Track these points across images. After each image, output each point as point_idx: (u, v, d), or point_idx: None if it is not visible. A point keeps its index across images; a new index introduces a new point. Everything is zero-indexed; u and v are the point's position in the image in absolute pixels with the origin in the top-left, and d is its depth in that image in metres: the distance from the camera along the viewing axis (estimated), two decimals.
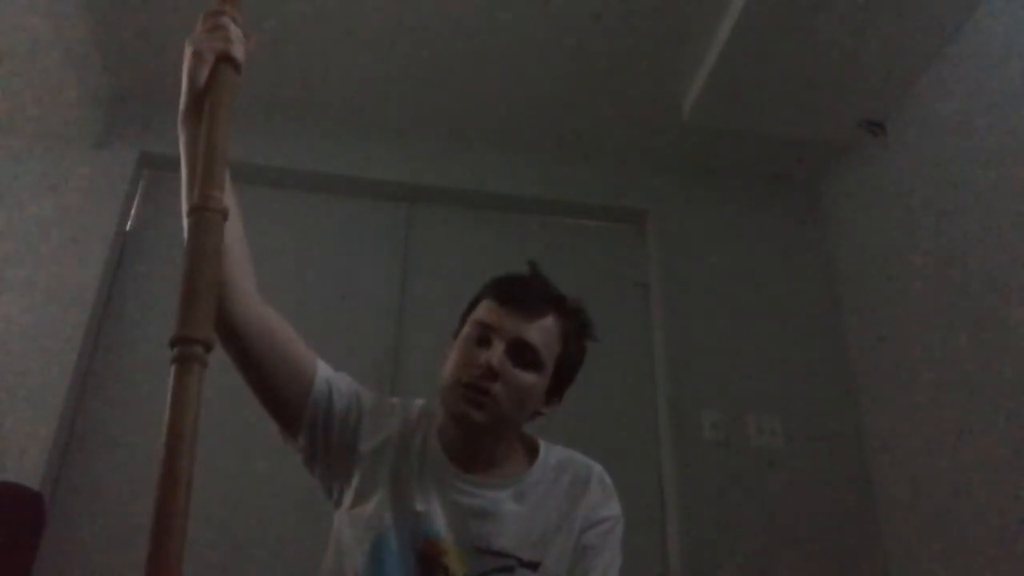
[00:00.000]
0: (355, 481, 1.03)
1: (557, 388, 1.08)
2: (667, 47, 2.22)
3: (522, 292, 1.05)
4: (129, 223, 2.36)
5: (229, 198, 0.86)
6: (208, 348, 0.72)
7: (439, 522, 0.99)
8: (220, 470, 2.03)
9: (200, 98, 0.90)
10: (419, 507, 0.99)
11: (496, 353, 0.99)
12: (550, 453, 1.10)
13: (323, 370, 1.04)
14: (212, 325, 0.74)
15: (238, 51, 0.93)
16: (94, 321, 2.18)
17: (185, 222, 0.83)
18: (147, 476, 2.22)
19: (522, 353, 1.01)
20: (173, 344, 0.71)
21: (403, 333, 2.35)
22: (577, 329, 1.09)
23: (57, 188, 2.28)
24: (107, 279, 2.25)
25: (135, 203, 2.39)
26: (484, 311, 1.05)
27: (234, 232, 0.91)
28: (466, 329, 1.06)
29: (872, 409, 2.34)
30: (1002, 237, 1.85)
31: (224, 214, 0.82)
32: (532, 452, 1.10)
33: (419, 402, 1.11)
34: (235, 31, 0.94)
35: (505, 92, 2.43)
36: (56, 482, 2.01)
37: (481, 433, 1.02)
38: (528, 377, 1.01)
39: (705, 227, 2.65)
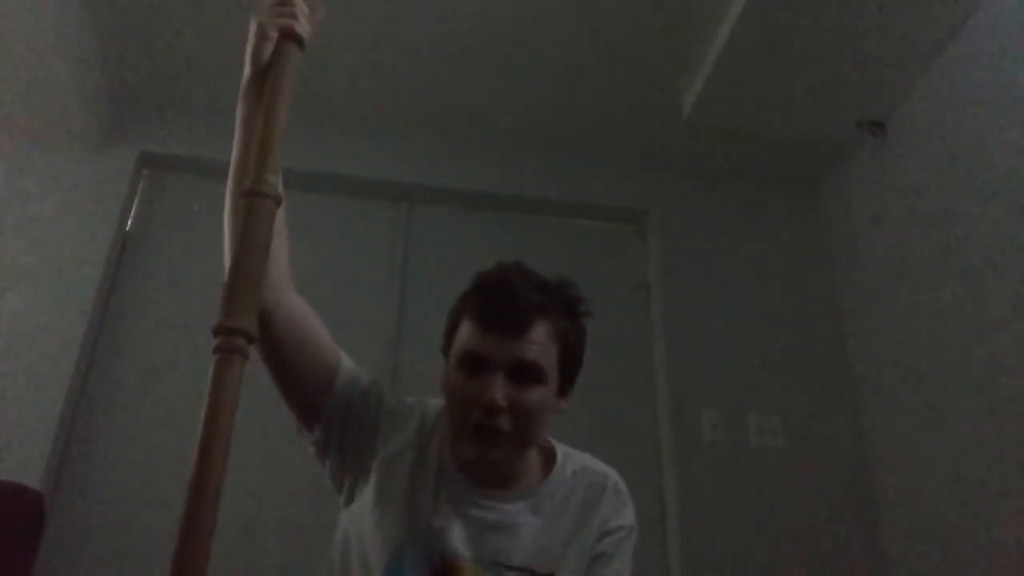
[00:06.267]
0: (372, 482, 1.01)
1: (567, 381, 1.03)
2: (667, 47, 2.22)
3: (506, 311, 0.95)
4: (129, 223, 2.35)
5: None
6: (251, 340, 0.68)
7: (456, 538, 0.96)
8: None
9: (262, 75, 0.88)
10: (435, 522, 0.97)
11: (496, 386, 0.93)
12: (567, 461, 1.07)
13: (346, 365, 1.02)
14: (256, 316, 0.71)
15: (303, 28, 0.91)
16: (94, 321, 2.17)
17: (228, 203, 0.81)
18: (147, 476, 2.21)
19: (523, 373, 0.95)
20: (215, 333, 0.67)
21: (403, 333, 2.35)
22: (570, 316, 1.03)
23: (57, 188, 2.27)
24: (107, 279, 2.24)
25: (135, 203, 2.38)
26: (470, 337, 0.97)
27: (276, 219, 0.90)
28: (455, 357, 0.99)
29: (872, 409, 2.34)
30: (1002, 237, 1.85)
31: (278, 200, 0.79)
32: (549, 459, 1.07)
33: (435, 403, 1.08)
34: (301, 6, 0.92)
35: (505, 92, 2.43)
36: (56, 482, 2.00)
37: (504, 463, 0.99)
38: (535, 394, 0.95)
39: (705, 227, 2.65)
